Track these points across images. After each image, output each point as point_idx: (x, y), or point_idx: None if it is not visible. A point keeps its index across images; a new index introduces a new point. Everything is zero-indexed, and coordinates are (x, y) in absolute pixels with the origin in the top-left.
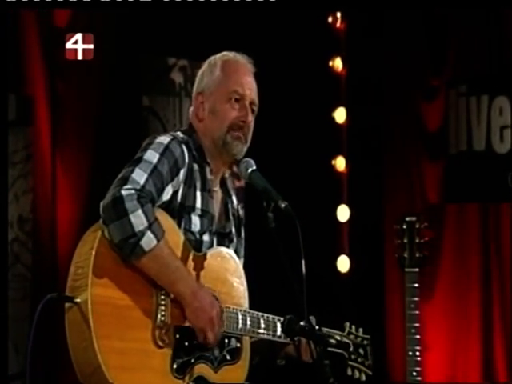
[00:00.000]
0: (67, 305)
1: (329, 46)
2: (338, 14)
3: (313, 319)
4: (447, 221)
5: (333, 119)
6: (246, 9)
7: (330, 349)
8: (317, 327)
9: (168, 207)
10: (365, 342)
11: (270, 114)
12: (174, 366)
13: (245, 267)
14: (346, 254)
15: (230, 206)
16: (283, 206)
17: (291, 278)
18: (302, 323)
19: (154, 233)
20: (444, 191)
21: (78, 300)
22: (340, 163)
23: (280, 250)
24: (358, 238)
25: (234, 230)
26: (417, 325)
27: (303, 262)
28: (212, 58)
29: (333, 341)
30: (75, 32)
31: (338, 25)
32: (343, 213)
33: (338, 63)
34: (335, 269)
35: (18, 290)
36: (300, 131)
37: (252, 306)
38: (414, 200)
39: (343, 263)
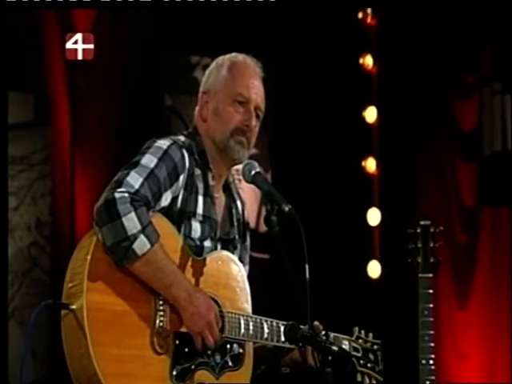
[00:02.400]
0: (63, 312)
1: (359, 43)
2: (369, 10)
3: (319, 325)
4: (483, 225)
5: (363, 119)
6: (272, 9)
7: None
8: (323, 332)
9: (167, 213)
10: (375, 347)
11: (299, 114)
12: (174, 373)
13: (251, 273)
14: (377, 259)
15: (234, 211)
16: (287, 209)
17: (295, 283)
18: (303, 329)
19: (147, 236)
20: (479, 194)
21: (74, 307)
22: (370, 164)
23: (283, 254)
24: (390, 243)
25: (237, 236)
26: (431, 332)
27: (307, 267)
28: (220, 57)
29: (335, 348)
30: (98, 32)
31: (369, 21)
32: (374, 216)
33: (368, 60)
34: (366, 274)
35: (37, 296)
36: (329, 131)
37: (267, 310)
38: (447, 203)
39: (374, 268)
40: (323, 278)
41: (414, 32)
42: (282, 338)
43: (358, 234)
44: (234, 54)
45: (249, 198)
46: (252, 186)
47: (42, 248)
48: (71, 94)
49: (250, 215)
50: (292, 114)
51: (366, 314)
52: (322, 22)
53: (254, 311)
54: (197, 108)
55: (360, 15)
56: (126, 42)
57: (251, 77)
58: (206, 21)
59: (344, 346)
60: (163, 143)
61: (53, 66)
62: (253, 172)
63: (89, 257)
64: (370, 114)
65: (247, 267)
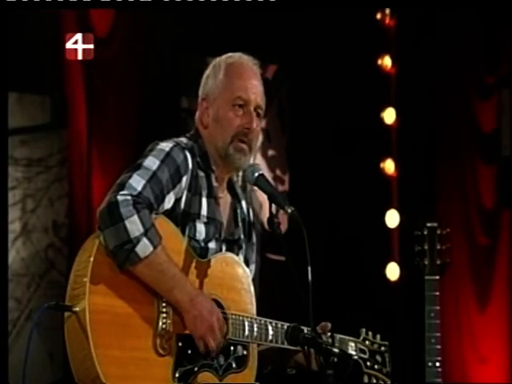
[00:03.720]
0: (66, 314)
1: (377, 44)
2: (387, 11)
3: (327, 325)
4: (502, 226)
5: (381, 120)
6: (292, 9)
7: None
8: (329, 334)
9: (171, 215)
10: (382, 349)
11: (317, 115)
12: (177, 375)
13: (267, 275)
14: (396, 262)
15: (239, 211)
16: (289, 211)
17: (297, 285)
18: (305, 332)
19: (149, 239)
20: (499, 195)
21: (77, 309)
22: (389, 166)
23: (286, 255)
24: (409, 245)
25: (243, 235)
26: (437, 334)
27: (309, 269)
28: (217, 59)
29: (336, 350)
30: (116, 34)
31: (387, 21)
32: (392, 218)
33: (387, 61)
34: (384, 277)
35: (53, 298)
36: (347, 133)
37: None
38: (467, 204)
39: (393, 271)
40: (342, 280)
41: (434, 32)
42: None
43: (376, 236)
44: (229, 54)
45: (266, 199)
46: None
47: (59, 250)
48: (89, 96)
49: (267, 217)
50: (310, 115)
51: (384, 316)
52: (340, 23)
53: (271, 313)
54: (197, 113)
55: (378, 16)
56: (144, 44)
57: (248, 77)
58: (223, 23)
59: (350, 348)
60: (166, 145)
61: (70, 68)
62: (256, 174)
63: (92, 259)
64: (389, 115)
65: (254, 266)
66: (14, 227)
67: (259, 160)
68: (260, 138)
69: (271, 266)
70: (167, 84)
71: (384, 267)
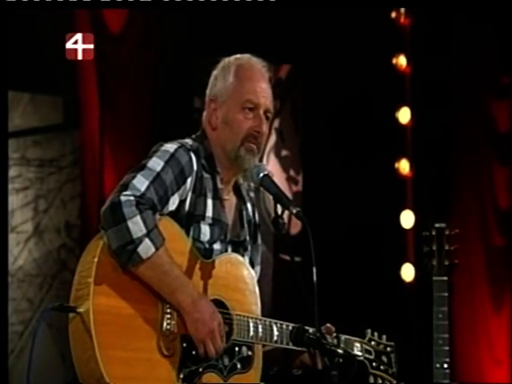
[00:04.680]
0: (70, 315)
1: (392, 43)
2: (402, 9)
3: (331, 326)
4: None
5: (396, 120)
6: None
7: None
8: (334, 334)
9: (175, 216)
10: (388, 349)
11: (330, 115)
12: (181, 376)
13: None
14: (411, 262)
15: (244, 212)
16: (295, 211)
17: (302, 287)
18: (310, 332)
19: (152, 240)
20: None
21: (81, 310)
22: (404, 166)
23: (291, 257)
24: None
25: (248, 237)
26: (445, 336)
27: (314, 269)
28: (226, 60)
29: (340, 350)
30: (130, 34)
31: (402, 20)
32: (407, 219)
33: (401, 61)
34: (399, 278)
35: (65, 298)
36: (361, 132)
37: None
38: (483, 205)
39: (408, 272)
40: (356, 280)
41: (449, 31)
42: None
43: (391, 236)
44: (238, 55)
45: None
46: (285, 188)
47: (71, 250)
48: (102, 96)
49: (272, 217)
50: (323, 115)
51: (399, 317)
52: (354, 22)
53: (286, 314)
54: (204, 113)
55: (393, 15)
56: (157, 44)
57: (258, 80)
58: (236, 23)
59: (356, 349)
60: (170, 147)
61: (84, 68)
62: (261, 175)
63: (96, 259)
64: (404, 115)
65: (259, 268)
66: (27, 228)
67: (272, 160)
68: (273, 139)
69: (287, 267)
70: (180, 84)
71: (399, 268)
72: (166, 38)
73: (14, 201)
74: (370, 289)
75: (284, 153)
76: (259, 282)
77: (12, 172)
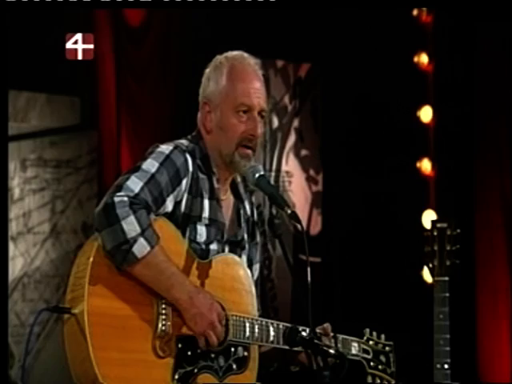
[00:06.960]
0: (65, 316)
1: (414, 41)
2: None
3: (328, 326)
4: None
5: (418, 118)
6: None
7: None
8: (331, 334)
9: (171, 218)
10: (387, 349)
11: (351, 114)
12: (176, 377)
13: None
14: None
15: (242, 211)
16: (289, 212)
17: (297, 287)
18: (303, 333)
19: (146, 239)
20: None
21: (75, 311)
22: (426, 166)
23: (287, 257)
24: None
25: (246, 236)
26: (447, 336)
27: (309, 269)
28: (218, 59)
29: (332, 351)
30: (150, 33)
31: (424, 18)
32: (429, 219)
33: (423, 59)
34: (421, 279)
35: None
36: (382, 132)
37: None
38: (507, 205)
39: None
40: (378, 281)
41: (471, 29)
42: None
43: (413, 237)
44: (231, 54)
45: (298, 200)
46: (305, 188)
47: None
48: (120, 96)
49: (301, 218)
50: (343, 114)
51: (422, 318)
52: (375, 20)
53: (302, 314)
54: (199, 114)
55: (415, 12)
56: (178, 43)
57: (251, 81)
58: (258, 22)
59: (353, 349)
60: (166, 148)
61: (103, 68)
62: (257, 175)
63: (90, 260)
64: (426, 114)
65: (257, 265)
66: (44, 228)
67: (292, 160)
68: (293, 138)
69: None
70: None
71: (421, 269)
72: (187, 36)
73: (30, 202)
74: (392, 290)
75: (304, 152)
76: (260, 281)
77: (29, 173)
